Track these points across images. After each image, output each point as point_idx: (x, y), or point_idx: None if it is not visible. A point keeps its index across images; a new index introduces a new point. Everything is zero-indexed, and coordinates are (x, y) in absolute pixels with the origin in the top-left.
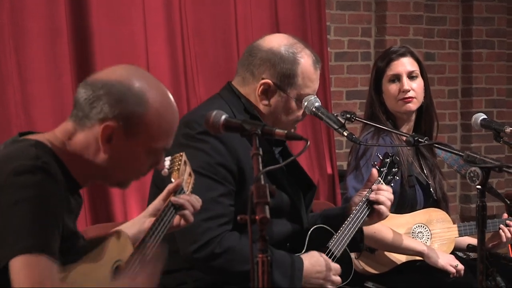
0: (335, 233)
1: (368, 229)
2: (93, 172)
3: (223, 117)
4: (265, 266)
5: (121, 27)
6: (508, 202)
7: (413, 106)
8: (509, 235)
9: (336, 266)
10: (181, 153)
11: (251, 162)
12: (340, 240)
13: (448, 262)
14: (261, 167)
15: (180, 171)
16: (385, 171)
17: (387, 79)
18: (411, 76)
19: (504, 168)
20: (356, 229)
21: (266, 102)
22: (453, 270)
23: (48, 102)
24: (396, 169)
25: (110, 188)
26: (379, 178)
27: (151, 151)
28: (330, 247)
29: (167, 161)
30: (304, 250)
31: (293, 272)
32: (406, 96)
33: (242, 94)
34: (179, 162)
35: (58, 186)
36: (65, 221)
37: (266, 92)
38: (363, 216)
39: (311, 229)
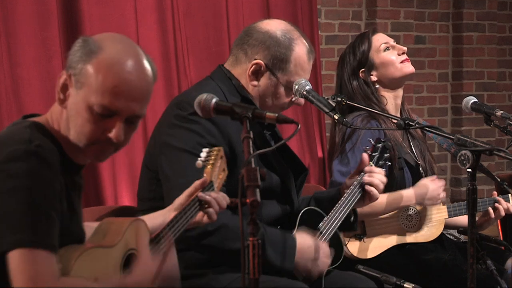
0: (326, 216)
1: None
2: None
3: (214, 100)
4: (256, 249)
5: (112, 10)
6: (499, 180)
7: (412, 67)
8: (502, 213)
9: (326, 248)
10: (219, 148)
11: (242, 144)
12: (331, 223)
13: (436, 195)
14: (251, 150)
15: (214, 165)
16: (377, 155)
17: (379, 50)
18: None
19: (494, 151)
20: (347, 211)
21: (255, 83)
22: (439, 200)
23: (38, 86)
24: (388, 154)
25: (100, 171)
26: (371, 163)
27: (92, 108)
28: (321, 230)
29: (204, 153)
30: (294, 232)
31: (286, 250)
32: (405, 57)
33: (234, 75)
34: (215, 157)
35: (53, 171)
36: (62, 205)
37: (257, 73)
38: (354, 199)
39: (302, 211)
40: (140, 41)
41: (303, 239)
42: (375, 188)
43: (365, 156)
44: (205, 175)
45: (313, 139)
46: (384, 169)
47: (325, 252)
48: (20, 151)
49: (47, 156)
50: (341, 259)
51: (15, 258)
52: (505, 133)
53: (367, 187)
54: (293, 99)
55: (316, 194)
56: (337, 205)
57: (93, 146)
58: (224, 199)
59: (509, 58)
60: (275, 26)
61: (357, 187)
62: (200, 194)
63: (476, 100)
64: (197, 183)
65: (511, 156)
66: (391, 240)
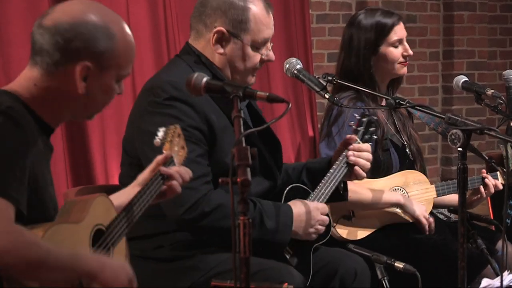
0: (311, 192)
1: None
2: (66, 112)
3: (204, 79)
4: (246, 228)
5: None
6: (487, 158)
7: (406, 70)
8: (492, 189)
9: (321, 205)
10: (176, 126)
11: (220, 122)
12: (317, 199)
13: (422, 213)
14: (242, 129)
15: (172, 143)
16: (363, 130)
17: (390, 44)
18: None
19: (485, 131)
20: (334, 187)
21: (221, 51)
22: (425, 222)
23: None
24: (374, 128)
25: (91, 150)
26: (356, 138)
27: (119, 80)
28: None
29: (161, 132)
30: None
31: (281, 218)
32: (406, 60)
33: (200, 51)
34: (173, 134)
35: (24, 131)
36: (34, 167)
37: (221, 41)
38: (340, 175)
39: (287, 188)
40: (130, 17)
41: (299, 207)
42: (362, 168)
43: (349, 137)
44: (164, 151)
45: (303, 118)
46: (370, 144)
47: (323, 213)
48: None
49: (17, 117)
50: (329, 235)
51: None
52: (496, 112)
53: (355, 169)
54: (263, 56)
55: (309, 164)
56: (322, 181)
57: None
58: (187, 173)
59: (499, 37)
60: None
61: (342, 163)
62: (162, 168)
63: (467, 79)
64: (159, 158)
65: (502, 135)
66: (380, 221)
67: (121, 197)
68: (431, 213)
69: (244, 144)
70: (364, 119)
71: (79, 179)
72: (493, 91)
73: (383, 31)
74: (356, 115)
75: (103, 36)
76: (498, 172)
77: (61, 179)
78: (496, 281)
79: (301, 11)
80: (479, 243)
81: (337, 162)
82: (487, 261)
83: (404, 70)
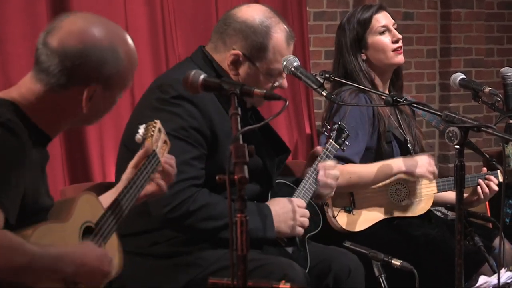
0: (296, 188)
1: (343, 176)
2: (66, 124)
3: (202, 76)
4: (243, 226)
5: None
6: (488, 157)
7: (403, 58)
8: (486, 190)
9: (299, 202)
10: (156, 121)
11: (225, 125)
12: (302, 193)
13: (426, 170)
14: (239, 127)
15: (153, 138)
16: (335, 134)
17: (375, 32)
18: (394, 28)
19: (482, 128)
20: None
21: (234, 72)
22: (431, 177)
23: (26, 62)
24: (346, 133)
25: (89, 147)
26: (331, 140)
27: (122, 93)
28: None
29: (141, 128)
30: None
31: (263, 220)
32: (399, 45)
33: (214, 59)
34: (153, 129)
35: (21, 143)
36: (29, 178)
37: (236, 63)
38: (311, 188)
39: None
40: (128, 16)
41: (276, 204)
42: (329, 186)
43: (318, 148)
44: (146, 144)
45: (301, 115)
46: (344, 148)
47: (300, 206)
48: None
49: (16, 129)
50: (320, 226)
51: None
52: (493, 110)
53: (320, 191)
54: (275, 84)
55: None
56: (304, 180)
57: None
58: (171, 158)
59: (497, 35)
60: (252, 15)
61: (311, 180)
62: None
63: (464, 76)
64: (140, 152)
65: (499, 132)
66: (380, 213)
67: (110, 197)
68: (429, 211)
69: (241, 142)
70: (335, 126)
71: (77, 176)
72: (490, 88)
73: (364, 23)
74: (326, 124)
75: (111, 59)
76: (498, 171)
77: (58, 177)
78: (493, 279)
79: (298, 9)
80: (476, 241)
81: (308, 174)
82: (485, 258)
83: (399, 58)
